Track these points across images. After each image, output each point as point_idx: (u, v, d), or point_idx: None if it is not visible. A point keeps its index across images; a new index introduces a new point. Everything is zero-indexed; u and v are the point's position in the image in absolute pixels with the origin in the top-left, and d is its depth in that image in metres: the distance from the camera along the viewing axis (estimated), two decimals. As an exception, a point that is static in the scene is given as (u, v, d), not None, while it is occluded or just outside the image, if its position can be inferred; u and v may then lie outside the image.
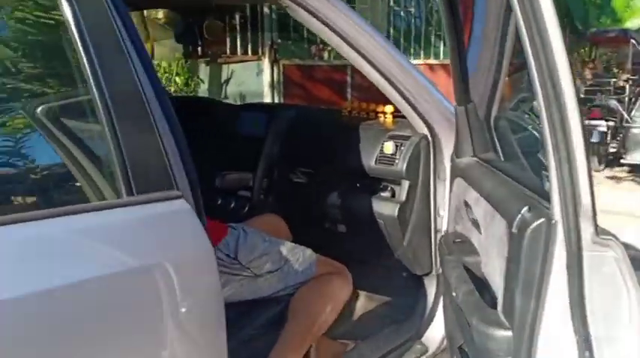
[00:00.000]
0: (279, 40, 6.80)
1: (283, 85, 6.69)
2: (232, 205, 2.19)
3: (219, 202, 2.23)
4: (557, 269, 0.88)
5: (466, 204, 1.44)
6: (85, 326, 0.85)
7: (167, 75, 5.62)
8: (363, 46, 1.58)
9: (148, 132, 1.01)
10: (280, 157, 2.15)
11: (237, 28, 6.48)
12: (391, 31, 7.10)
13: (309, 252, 1.66)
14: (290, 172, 2.13)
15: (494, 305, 1.07)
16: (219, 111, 2.43)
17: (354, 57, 1.60)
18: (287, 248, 1.63)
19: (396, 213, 1.77)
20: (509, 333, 0.95)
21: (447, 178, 1.79)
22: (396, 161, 1.79)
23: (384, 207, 1.82)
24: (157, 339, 0.93)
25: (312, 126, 2.18)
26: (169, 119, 1.08)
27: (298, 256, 1.63)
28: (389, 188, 1.86)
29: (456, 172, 1.65)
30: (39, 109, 1.03)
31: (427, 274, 1.92)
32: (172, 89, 5.57)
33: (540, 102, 0.88)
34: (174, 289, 0.94)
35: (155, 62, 5.57)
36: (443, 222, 1.83)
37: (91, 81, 0.96)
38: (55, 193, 0.97)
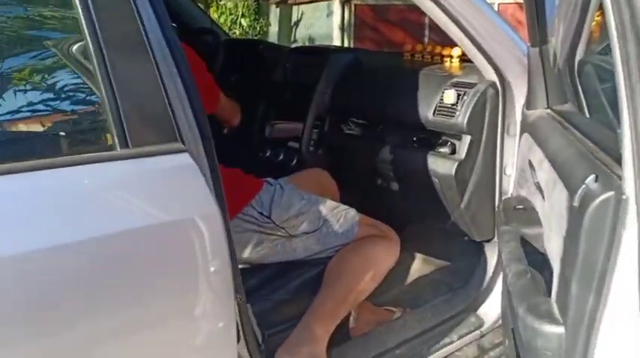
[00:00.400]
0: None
1: (354, 28, 6.35)
2: (281, 157, 2.08)
3: (268, 154, 2.14)
4: (626, 257, 0.69)
5: (530, 165, 1.24)
6: (66, 294, 0.79)
7: (232, 16, 5.49)
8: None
9: (148, 75, 0.90)
10: (332, 106, 2.00)
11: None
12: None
13: (352, 212, 1.54)
14: (342, 123, 1.98)
15: (550, 293, 0.90)
16: (268, 55, 2.29)
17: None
18: (327, 207, 1.51)
19: (453, 172, 1.59)
20: (560, 330, 0.78)
21: (517, 134, 1.57)
22: (457, 112, 1.59)
23: (441, 165, 1.63)
24: (150, 310, 0.86)
25: (368, 72, 1.99)
26: (178, 63, 0.96)
27: (339, 216, 1.50)
28: (449, 143, 1.67)
29: (524, 126, 1.43)
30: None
31: (489, 240, 1.74)
32: (237, 32, 5.47)
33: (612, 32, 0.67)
34: (166, 255, 0.85)
35: (222, 2, 5.49)
36: (510, 182, 1.63)
37: (80, 11, 0.85)
38: (34, 143, 0.89)
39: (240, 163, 1.64)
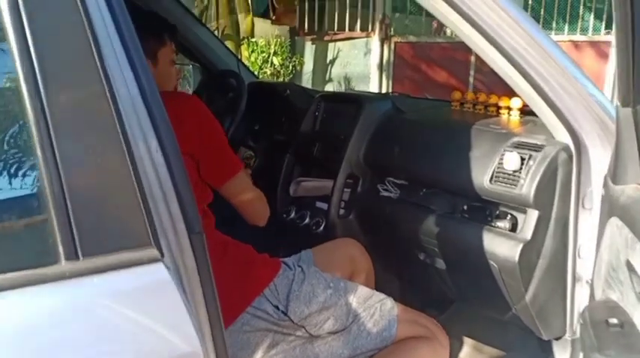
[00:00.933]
0: (393, 14, 6.24)
1: (393, 67, 6.12)
2: (306, 220, 1.83)
3: (292, 215, 1.89)
4: None
5: (629, 267, 0.95)
6: None
7: (264, 54, 5.35)
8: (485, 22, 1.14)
9: (111, 154, 0.67)
10: (366, 163, 1.75)
11: (346, 1, 6.05)
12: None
13: (389, 303, 1.26)
14: (378, 183, 1.72)
15: None
16: (296, 101, 2.07)
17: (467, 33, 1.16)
18: (359, 297, 1.24)
19: (517, 256, 1.29)
20: None
21: (596, 209, 1.28)
22: (521, 180, 1.31)
23: (500, 245, 1.34)
24: None
25: (410, 124, 1.74)
26: (160, 135, 0.73)
27: (374, 311, 1.23)
28: (508, 217, 1.38)
29: (612, 207, 1.14)
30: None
31: (557, 338, 1.42)
32: (269, 71, 5.32)
33: None
34: None
35: (253, 39, 5.36)
36: (585, 267, 1.33)
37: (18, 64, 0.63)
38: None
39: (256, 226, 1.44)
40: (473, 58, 5.56)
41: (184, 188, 0.71)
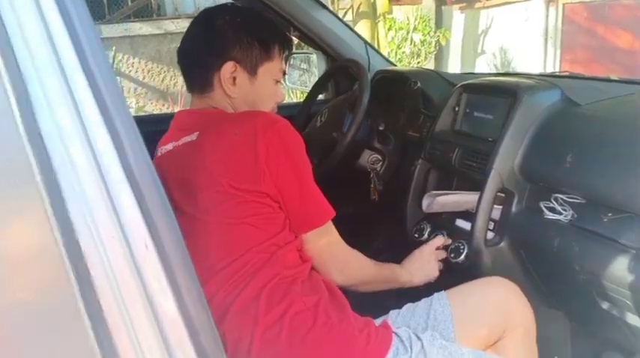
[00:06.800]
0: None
1: (562, 34, 5.36)
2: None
3: (425, 235, 1.60)
4: None
5: None
6: None
7: (402, 31, 4.95)
8: None
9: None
10: (525, 174, 1.40)
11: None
12: None
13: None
14: (541, 200, 1.37)
15: None
16: (431, 92, 1.77)
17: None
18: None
19: None
20: None
21: None
22: None
23: None
24: None
25: (590, 121, 1.35)
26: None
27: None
28: None
29: None
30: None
31: None
32: (410, 49, 4.92)
33: None
34: None
35: (390, 16, 5.00)
36: None
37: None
38: None
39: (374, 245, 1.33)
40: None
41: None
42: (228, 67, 1.21)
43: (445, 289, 1.29)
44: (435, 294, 1.24)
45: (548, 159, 1.36)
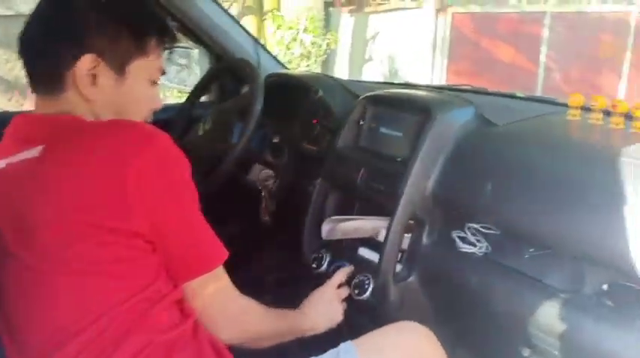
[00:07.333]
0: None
1: (450, 44, 5.48)
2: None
3: (323, 267, 1.42)
4: None
5: None
6: None
7: (292, 31, 4.77)
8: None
9: None
10: (438, 200, 1.26)
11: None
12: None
13: None
14: (452, 228, 1.24)
15: None
16: (332, 102, 1.59)
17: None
18: None
19: None
20: None
21: None
22: None
23: None
24: None
25: (508, 142, 1.24)
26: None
27: None
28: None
29: None
30: None
31: None
32: (300, 51, 4.76)
33: None
34: None
35: (279, 13, 4.79)
36: None
37: None
38: None
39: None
40: (545, 32, 4.91)
41: None
42: (86, 62, 0.92)
43: (350, 334, 1.11)
44: (342, 345, 1.06)
45: (464, 185, 1.23)
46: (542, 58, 4.90)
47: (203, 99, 1.95)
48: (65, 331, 0.83)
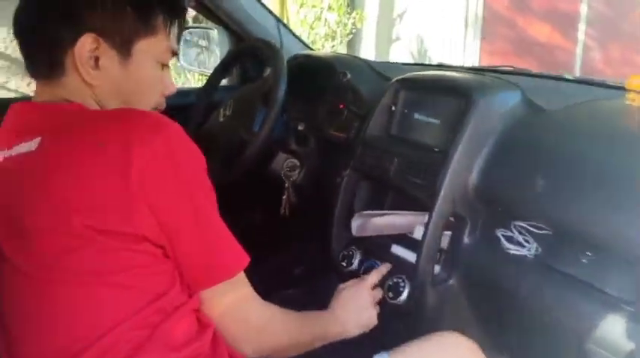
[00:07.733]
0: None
1: (483, 22, 5.26)
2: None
3: (354, 265, 1.31)
4: None
5: None
6: None
7: (315, 10, 4.60)
8: None
9: None
10: (481, 195, 1.15)
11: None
12: None
13: None
14: (497, 226, 1.12)
15: None
16: (361, 86, 1.48)
17: None
18: None
19: None
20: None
21: None
22: None
23: None
24: None
25: (561, 129, 1.12)
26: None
27: None
28: None
29: None
30: None
31: None
32: (324, 30, 4.59)
33: None
34: None
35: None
36: None
37: None
38: None
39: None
40: (582, 8, 4.67)
41: None
42: (86, 42, 0.82)
43: (384, 344, 1.02)
44: (376, 357, 0.96)
45: (511, 178, 1.11)
46: (581, 36, 4.68)
47: (223, 82, 1.85)
48: (66, 352, 0.74)
